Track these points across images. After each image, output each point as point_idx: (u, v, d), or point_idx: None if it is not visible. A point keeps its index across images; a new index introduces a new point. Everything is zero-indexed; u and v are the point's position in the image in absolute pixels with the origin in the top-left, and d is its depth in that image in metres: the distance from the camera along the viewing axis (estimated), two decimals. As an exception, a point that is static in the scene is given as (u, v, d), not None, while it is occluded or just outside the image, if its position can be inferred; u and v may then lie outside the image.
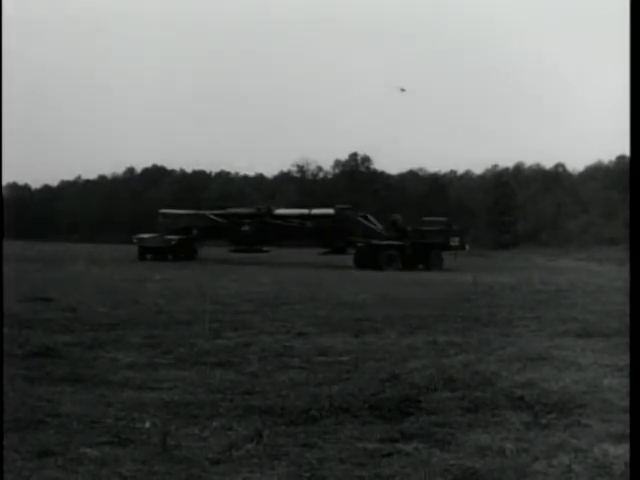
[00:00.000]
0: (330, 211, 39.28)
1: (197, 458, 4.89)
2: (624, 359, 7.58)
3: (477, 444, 5.26)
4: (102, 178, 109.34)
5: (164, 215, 42.50)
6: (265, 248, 41.06)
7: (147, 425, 5.62)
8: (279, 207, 43.28)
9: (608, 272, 31.13)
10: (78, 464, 4.74)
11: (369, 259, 35.85)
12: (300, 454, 5.02)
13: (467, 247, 39.18)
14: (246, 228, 39.91)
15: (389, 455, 5.04)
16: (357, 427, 5.71)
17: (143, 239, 40.42)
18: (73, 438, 5.26)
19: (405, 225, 38.07)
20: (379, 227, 38.24)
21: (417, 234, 37.25)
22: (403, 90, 62.83)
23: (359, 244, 37.25)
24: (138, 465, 4.74)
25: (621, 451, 4.95)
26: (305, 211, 40.76)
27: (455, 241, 37.52)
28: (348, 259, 37.88)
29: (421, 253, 36.45)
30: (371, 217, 39.01)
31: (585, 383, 7.31)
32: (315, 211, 40.20)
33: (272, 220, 39.84)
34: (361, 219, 38.37)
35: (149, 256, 38.76)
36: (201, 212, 43.02)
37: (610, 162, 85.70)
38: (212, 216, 41.63)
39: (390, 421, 5.89)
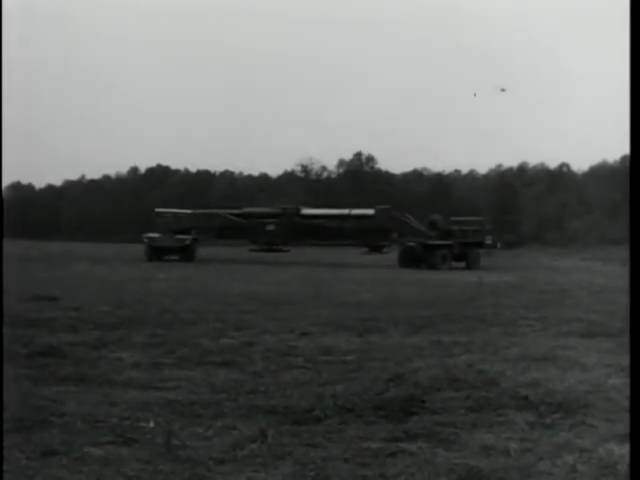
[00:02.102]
0: (370, 211, 39.56)
1: (201, 458, 4.89)
2: (628, 359, 7.56)
3: (481, 444, 5.26)
4: (106, 178, 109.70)
5: (160, 214, 41.62)
6: (285, 248, 40.85)
7: (151, 425, 5.62)
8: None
9: (612, 272, 31.09)
10: (82, 463, 4.74)
11: (419, 258, 36.34)
12: (304, 453, 5.02)
13: (499, 245, 39.63)
14: (271, 228, 39.54)
15: (393, 455, 5.03)
16: (361, 427, 5.70)
17: (153, 239, 39.50)
18: (77, 437, 5.26)
19: (447, 225, 38.31)
20: (421, 227, 38.51)
21: (459, 233, 37.61)
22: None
23: (410, 243, 37.53)
24: (142, 464, 4.74)
25: (625, 451, 4.94)
26: (345, 211, 41.00)
27: (489, 239, 38.06)
28: (384, 258, 38.03)
29: (462, 252, 36.84)
30: (409, 217, 39.18)
31: (589, 383, 7.31)
32: (355, 211, 40.51)
33: (301, 220, 39.76)
34: (406, 219, 38.63)
35: (154, 256, 38.47)
36: (211, 211, 42.78)
37: (615, 162, 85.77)
38: (229, 215, 41.28)
39: (394, 421, 5.88)
